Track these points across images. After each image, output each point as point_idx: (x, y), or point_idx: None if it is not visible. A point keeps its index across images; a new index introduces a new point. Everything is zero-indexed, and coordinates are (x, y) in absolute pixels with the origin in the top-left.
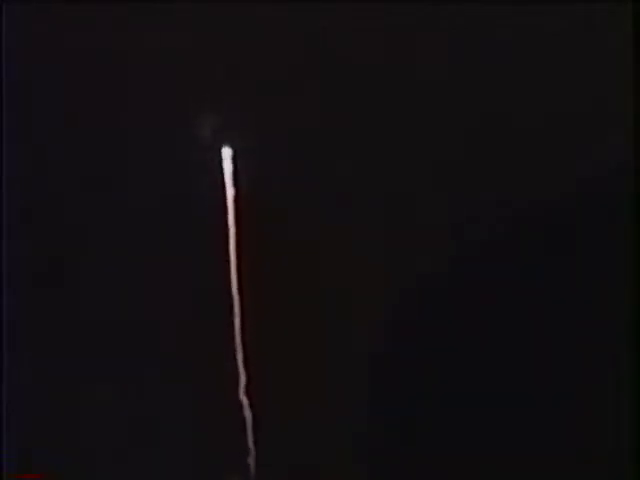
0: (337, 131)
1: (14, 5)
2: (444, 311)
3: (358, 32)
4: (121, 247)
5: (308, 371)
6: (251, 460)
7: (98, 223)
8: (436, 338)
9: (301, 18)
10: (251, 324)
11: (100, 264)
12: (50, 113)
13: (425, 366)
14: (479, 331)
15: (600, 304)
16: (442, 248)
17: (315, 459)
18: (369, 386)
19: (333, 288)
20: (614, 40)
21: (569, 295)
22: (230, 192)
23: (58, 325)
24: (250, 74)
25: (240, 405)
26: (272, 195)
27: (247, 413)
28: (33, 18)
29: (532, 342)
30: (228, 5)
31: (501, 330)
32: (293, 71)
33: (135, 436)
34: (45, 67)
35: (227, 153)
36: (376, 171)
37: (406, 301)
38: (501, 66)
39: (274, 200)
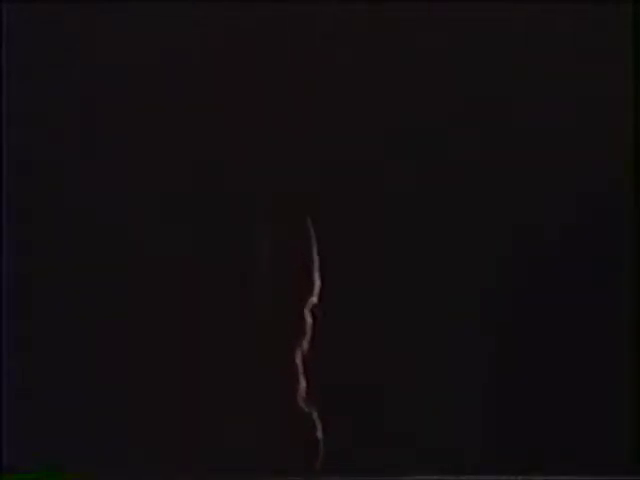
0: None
1: (14, 5)
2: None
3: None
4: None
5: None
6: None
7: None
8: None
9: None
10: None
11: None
12: (50, 113)
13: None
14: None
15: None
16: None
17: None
18: None
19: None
20: (614, 40)
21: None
22: None
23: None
24: None
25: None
26: None
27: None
28: (33, 18)
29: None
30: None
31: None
32: None
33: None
34: (45, 66)
35: None
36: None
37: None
38: (500, 66)
39: None
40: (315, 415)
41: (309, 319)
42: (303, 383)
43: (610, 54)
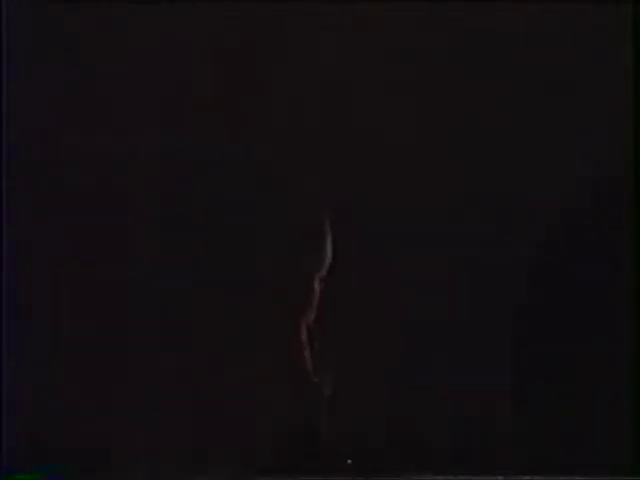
0: None
1: (14, 5)
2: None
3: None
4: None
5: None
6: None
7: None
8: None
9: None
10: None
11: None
12: (50, 113)
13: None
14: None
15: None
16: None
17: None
18: None
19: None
20: (614, 40)
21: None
22: None
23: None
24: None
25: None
26: None
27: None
28: (33, 18)
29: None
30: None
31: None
32: None
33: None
34: (45, 67)
35: None
36: None
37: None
38: (500, 66)
39: None
40: (322, 385)
41: (317, 289)
42: (309, 353)
43: (610, 54)
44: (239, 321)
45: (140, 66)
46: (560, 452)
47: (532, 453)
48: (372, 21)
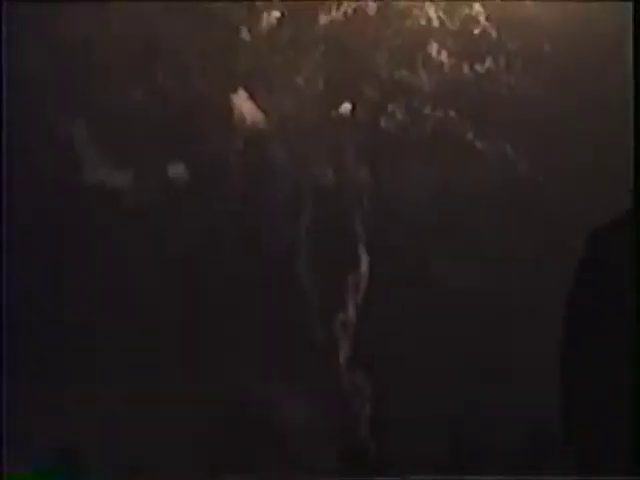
0: None
1: (14, 5)
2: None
3: None
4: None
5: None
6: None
7: None
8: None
9: None
10: None
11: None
12: (49, 111)
13: None
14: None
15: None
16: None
17: None
18: None
19: None
20: (614, 39)
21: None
22: None
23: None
24: None
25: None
26: None
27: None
28: (33, 17)
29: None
30: None
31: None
32: None
33: None
34: (45, 65)
35: None
36: None
37: None
38: (500, 65)
39: None
40: (357, 382)
41: (353, 289)
42: (350, 375)
43: (610, 54)
44: (282, 341)
45: (141, 64)
46: (561, 452)
47: (532, 453)
48: None
